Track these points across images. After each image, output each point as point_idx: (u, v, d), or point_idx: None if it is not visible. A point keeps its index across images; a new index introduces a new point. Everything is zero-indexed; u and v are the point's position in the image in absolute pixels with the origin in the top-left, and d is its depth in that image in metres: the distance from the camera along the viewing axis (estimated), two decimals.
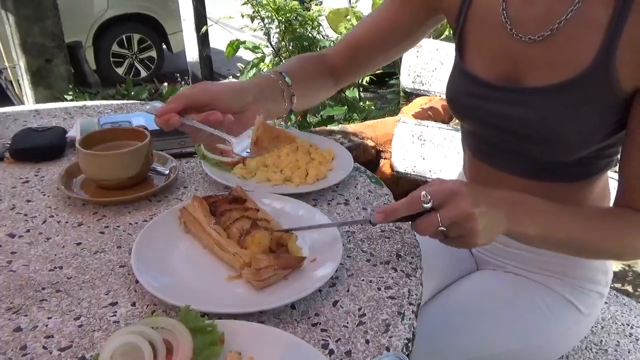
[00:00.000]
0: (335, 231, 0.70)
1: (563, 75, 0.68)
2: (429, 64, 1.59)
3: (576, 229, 0.67)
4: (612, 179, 0.90)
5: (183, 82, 4.96)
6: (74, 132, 0.98)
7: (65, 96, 3.24)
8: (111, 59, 4.97)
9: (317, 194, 0.86)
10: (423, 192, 0.59)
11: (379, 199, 0.86)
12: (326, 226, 0.70)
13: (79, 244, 0.71)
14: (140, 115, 1.05)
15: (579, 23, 0.67)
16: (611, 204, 0.84)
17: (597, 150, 0.74)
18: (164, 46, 5.27)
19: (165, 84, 4.35)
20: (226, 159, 0.90)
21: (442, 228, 0.59)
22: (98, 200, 0.79)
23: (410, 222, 0.63)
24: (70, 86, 3.41)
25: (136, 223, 0.76)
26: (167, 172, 0.87)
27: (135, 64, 5.12)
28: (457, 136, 1.57)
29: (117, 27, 4.91)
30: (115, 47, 4.96)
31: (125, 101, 1.27)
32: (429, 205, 0.59)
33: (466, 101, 0.82)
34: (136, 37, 5.07)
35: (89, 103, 1.22)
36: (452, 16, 0.84)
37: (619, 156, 0.77)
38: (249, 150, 0.76)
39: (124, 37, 4.99)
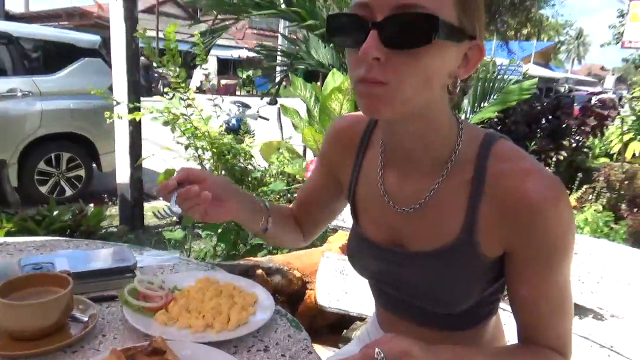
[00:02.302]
0: None
1: (437, 243, 0.78)
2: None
3: None
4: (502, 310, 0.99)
5: (110, 203, 4.86)
6: None
7: None
8: (35, 177, 4.83)
9: (238, 340, 0.88)
10: (377, 350, 0.63)
11: (297, 344, 0.89)
12: None
13: None
14: (64, 255, 1.05)
15: (442, 201, 0.78)
16: (505, 338, 0.96)
17: (482, 299, 0.83)
18: (94, 165, 5.23)
19: (92, 205, 4.25)
20: (149, 305, 0.91)
21: None
22: (9, 354, 0.76)
23: None
24: None
25: None
26: (86, 319, 0.86)
27: (61, 182, 5.01)
28: None
29: (47, 145, 4.86)
30: (41, 165, 4.87)
31: (47, 238, 1.26)
32: None
33: (362, 261, 0.92)
34: (65, 155, 5.02)
35: (9, 239, 1.20)
36: (345, 186, 0.95)
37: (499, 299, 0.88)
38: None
39: (52, 155, 4.93)
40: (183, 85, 2.60)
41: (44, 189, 4.86)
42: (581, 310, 1.44)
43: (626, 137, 8.05)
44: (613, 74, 43.99)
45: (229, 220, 0.89)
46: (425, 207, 0.79)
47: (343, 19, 0.71)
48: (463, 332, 0.88)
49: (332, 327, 2.15)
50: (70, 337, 0.81)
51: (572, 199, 3.64)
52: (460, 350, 0.73)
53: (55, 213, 3.43)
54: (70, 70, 4.94)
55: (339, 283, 1.72)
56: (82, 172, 5.12)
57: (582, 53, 57.26)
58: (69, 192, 5.03)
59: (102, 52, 5.21)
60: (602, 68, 57.66)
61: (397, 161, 0.83)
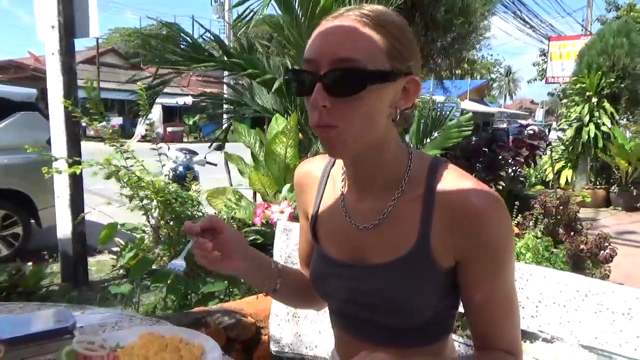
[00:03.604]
0: None
1: (395, 254, 0.85)
2: (298, 245, 1.74)
3: None
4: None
5: (51, 260, 4.61)
6: None
7: None
8: None
9: None
10: None
11: None
12: None
13: None
14: None
15: (398, 216, 0.86)
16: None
17: (440, 312, 0.89)
18: (33, 221, 4.97)
19: (30, 263, 4.02)
20: None
21: None
22: None
23: None
24: None
25: None
26: None
27: None
28: None
29: None
30: None
31: None
32: None
33: (324, 280, 0.95)
34: (0, 213, 4.76)
35: None
36: (308, 213, 1.02)
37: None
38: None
39: None
40: (117, 137, 2.57)
41: None
42: (526, 335, 1.49)
43: (558, 165, 8.61)
44: (542, 107, 47.19)
45: (232, 273, 0.94)
46: (384, 222, 0.86)
47: (296, 74, 0.83)
48: (422, 348, 0.91)
49: None
50: None
51: (512, 225, 3.81)
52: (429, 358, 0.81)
53: None
54: (4, 125, 4.76)
55: (291, 326, 1.70)
56: (19, 230, 4.86)
57: (512, 89, 61.15)
58: (4, 251, 4.74)
59: (39, 105, 5.07)
60: (532, 102, 61.68)
61: (357, 184, 0.91)
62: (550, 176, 7.98)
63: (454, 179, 0.84)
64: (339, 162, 0.98)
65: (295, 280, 1.06)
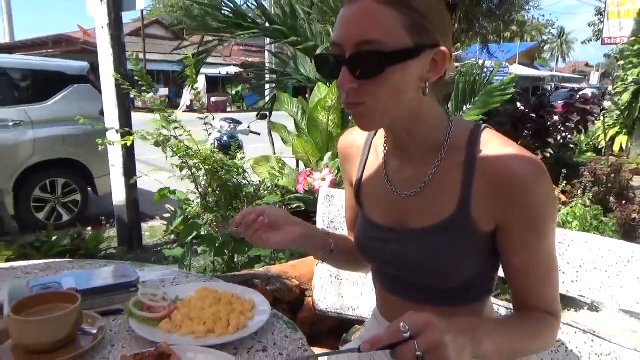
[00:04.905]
0: None
1: (436, 219, 0.89)
2: (340, 211, 1.80)
3: (515, 341, 0.83)
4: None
5: (108, 225, 4.90)
6: (1, 297, 1.02)
7: None
8: (32, 204, 4.87)
9: (238, 342, 0.94)
10: (402, 324, 0.69)
11: (294, 344, 0.96)
12: (320, 355, 0.78)
13: None
14: (70, 275, 1.12)
15: (439, 183, 0.90)
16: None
17: (479, 274, 0.93)
18: (90, 189, 5.27)
19: (89, 228, 4.29)
20: (153, 315, 0.97)
21: (419, 353, 0.68)
22: None
23: (390, 351, 0.71)
24: None
25: None
26: (94, 331, 0.93)
27: (58, 207, 5.05)
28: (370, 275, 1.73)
29: (41, 172, 4.90)
30: (37, 192, 4.90)
31: (52, 260, 1.32)
32: (407, 334, 0.69)
33: (368, 243, 1.01)
34: (60, 181, 5.06)
35: (16, 264, 1.27)
36: (353, 181, 1.08)
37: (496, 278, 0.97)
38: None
39: (47, 182, 4.98)
40: (164, 107, 2.67)
41: (40, 216, 4.90)
42: (565, 300, 1.50)
43: (612, 132, 8.20)
44: (597, 70, 44.60)
45: (289, 247, 1.01)
46: (425, 190, 0.90)
47: (324, 58, 0.86)
48: (462, 308, 0.96)
49: (332, 332, 2.21)
50: (82, 349, 0.87)
51: (558, 192, 3.72)
52: (474, 319, 0.87)
53: (53, 239, 3.48)
54: (60, 98, 5.01)
55: (334, 288, 1.78)
56: (78, 197, 5.16)
57: (565, 51, 57.99)
58: (66, 217, 5.06)
59: (90, 77, 5.29)
60: (587, 64, 58.44)
61: (397, 152, 0.96)
62: (603, 143, 7.64)
63: (496, 145, 0.86)
64: (381, 132, 1.02)
65: (344, 246, 1.12)
